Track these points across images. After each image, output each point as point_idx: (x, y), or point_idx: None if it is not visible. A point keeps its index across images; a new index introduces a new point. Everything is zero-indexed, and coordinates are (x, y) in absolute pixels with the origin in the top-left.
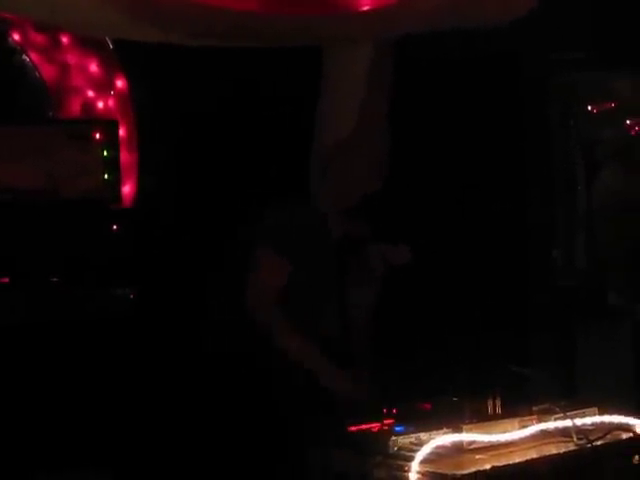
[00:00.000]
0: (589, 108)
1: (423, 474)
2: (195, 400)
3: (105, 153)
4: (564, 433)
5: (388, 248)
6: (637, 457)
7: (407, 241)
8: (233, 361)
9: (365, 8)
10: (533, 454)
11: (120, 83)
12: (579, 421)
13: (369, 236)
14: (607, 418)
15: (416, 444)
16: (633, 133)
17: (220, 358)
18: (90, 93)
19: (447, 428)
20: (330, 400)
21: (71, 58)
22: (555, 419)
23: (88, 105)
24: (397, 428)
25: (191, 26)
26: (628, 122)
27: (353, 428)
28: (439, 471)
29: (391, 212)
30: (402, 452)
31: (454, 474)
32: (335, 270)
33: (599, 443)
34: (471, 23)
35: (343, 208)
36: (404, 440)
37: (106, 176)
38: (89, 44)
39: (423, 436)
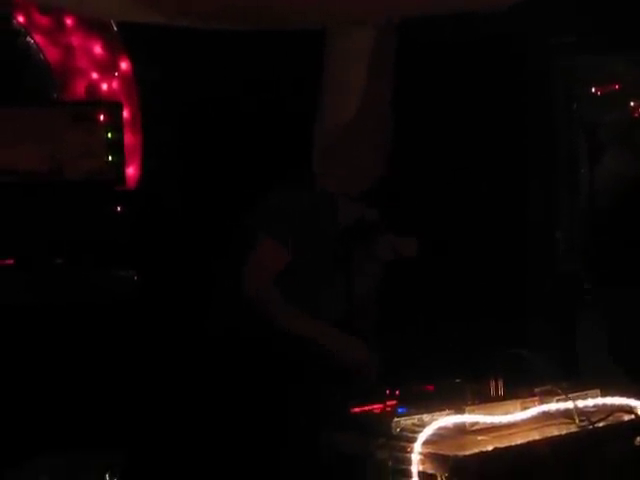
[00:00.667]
0: (592, 90)
1: (425, 455)
2: (201, 382)
3: (109, 135)
4: (566, 415)
5: (397, 239)
6: (639, 439)
7: (410, 228)
8: (237, 344)
9: None
10: (535, 436)
11: (124, 65)
12: (581, 403)
13: (378, 225)
14: (609, 400)
15: (418, 425)
16: (636, 115)
17: (224, 341)
18: (94, 75)
19: (449, 410)
20: (336, 379)
21: (75, 40)
22: (557, 401)
23: (92, 87)
24: (400, 409)
25: (194, 8)
26: (632, 104)
27: (356, 410)
28: (441, 452)
29: (396, 200)
30: (405, 433)
31: (456, 455)
32: (340, 257)
33: (601, 425)
34: (473, 7)
35: (353, 193)
36: (407, 421)
37: (110, 158)
38: (93, 26)
39: (425, 417)
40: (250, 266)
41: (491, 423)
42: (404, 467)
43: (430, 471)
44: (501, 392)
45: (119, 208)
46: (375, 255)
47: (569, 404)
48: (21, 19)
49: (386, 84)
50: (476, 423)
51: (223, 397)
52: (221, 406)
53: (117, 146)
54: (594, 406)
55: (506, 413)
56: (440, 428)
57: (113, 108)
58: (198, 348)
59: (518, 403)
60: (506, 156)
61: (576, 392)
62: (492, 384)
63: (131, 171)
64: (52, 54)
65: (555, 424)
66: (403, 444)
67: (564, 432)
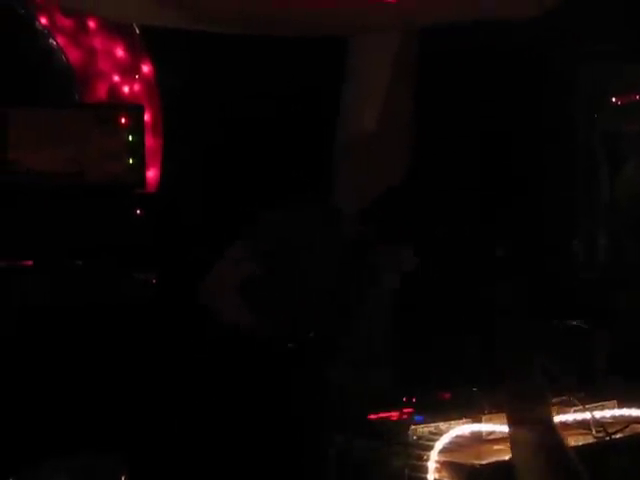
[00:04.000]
0: (613, 100)
1: (442, 463)
2: (215, 385)
3: (130, 138)
4: (583, 425)
5: (395, 254)
6: None
7: (424, 232)
8: (253, 347)
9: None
10: None
11: (146, 68)
12: (598, 414)
13: (377, 241)
14: (626, 411)
15: (435, 433)
16: None
17: (240, 343)
18: (116, 78)
19: (466, 418)
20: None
21: (97, 42)
22: (574, 411)
23: (114, 90)
24: (416, 417)
25: (215, 14)
26: None
27: (373, 416)
28: (458, 461)
29: (413, 203)
30: (421, 441)
31: (473, 464)
32: (343, 272)
33: (618, 436)
34: (496, 16)
35: (363, 206)
36: (423, 429)
37: (131, 161)
38: (115, 29)
39: (442, 426)
40: (216, 269)
41: (508, 432)
42: (420, 475)
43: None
44: None
45: (139, 211)
46: (376, 272)
47: (586, 415)
48: (44, 20)
49: (408, 91)
50: (493, 432)
51: (236, 400)
52: (235, 409)
53: (138, 149)
54: (611, 417)
55: None
56: (457, 436)
57: (134, 111)
58: (212, 351)
59: None
60: (527, 164)
61: (593, 403)
62: None
63: (151, 174)
64: (74, 56)
65: (572, 434)
66: (419, 452)
67: (581, 443)
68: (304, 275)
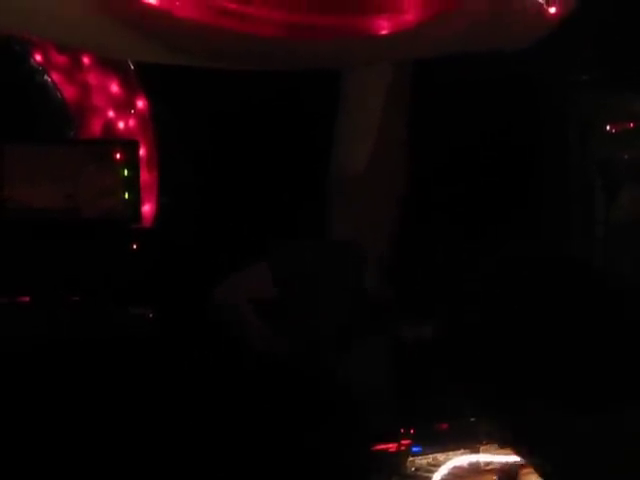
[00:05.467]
0: (608, 128)
1: None
2: (213, 418)
3: (125, 173)
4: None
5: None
6: None
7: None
8: (249, 380)
9: (384, 32)
10: None
11: (141, 103)
12: None
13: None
14: None
15: (433, 465)
16: None
17: (237, 377)
18: (111, 113)
19: (464, 449)
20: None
21: (92, 78)
22: None
23: (109, 125)
24: (414, 448)
25: (213, 50)
26: None
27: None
28: None
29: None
30: (419, 473)
31: None
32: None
33: None
34: (490, 46)
35: (357, 239)
36: (421, 461)
37: (126, 196)
38: (110, 64)
39: (440, 456)
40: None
41: (506, 462)
42: None
43: None
44: None
45: (135, 246)
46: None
47: None
48: (38, 57)
49: (403, 125)
50: (491, 462)
51: (235, 431)
52: (235, 440)
53: (133, 184)
54: None
55: None
56: (455, 467)
57: (129, 146)
58: (214, 384)
59: None
60: (521, 192)
61: None
62: None
63: (147, 209)
64: (69, 92)
65: None
66: None
67: None
68: (315, 307)
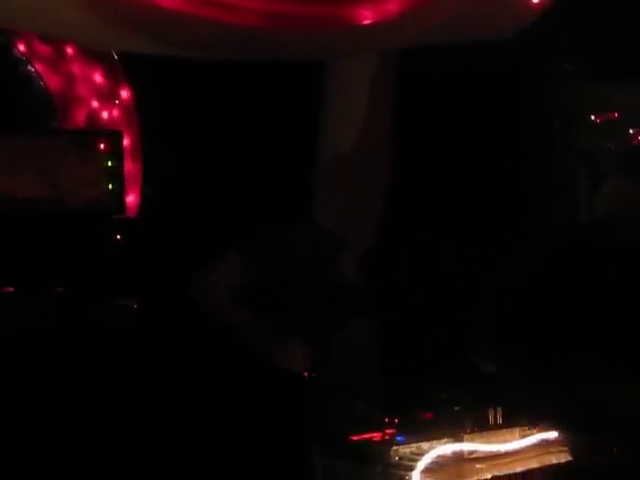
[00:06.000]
0: (592, 118)
1: None
2: (197, 407)
3: (109, 163)
4: (549, 445)
5: None
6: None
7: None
8: (235, 368)
9: (367, 22)
10: (534, 464)
11: (125, 93)
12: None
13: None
14: None
15: (417, 454)
16: (636, 143)
17: (221, 364)
18: (95, 103)
19: (448, 438)
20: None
21: (76, 68)
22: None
23: (93, 115)
24: (398, 438)
25: (197, 40)
26: (631, 132)
27: (355, 437)
28: None
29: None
30: (403, 462)
31: None
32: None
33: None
34: (474, 36)
35: (341, 226)
36: (405, 449)
37: (110, 186)
38: (94, 55)
39: (424, 445)
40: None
41: (489, 451)
42: None
43: None
44: (500, 420)
45: (119, 236)
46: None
47: (551, 435)
48: (22, 48)
49: (387, 114)
50: (474, 451)
51: (219, 421)
52: (218, 430)
53: (117, 174)
54: None
55: (504, 441)
56: (438, 456)
57: (113, 136)
58: (197, 374)
59: (517, 431)
60: (506, 182)
61: None
62: (491, 412)
63: (131, 199)
64: (53, 82)
65: (554, 452)
66: (401, 472)
67: (562, 460)
68: (294, 292)
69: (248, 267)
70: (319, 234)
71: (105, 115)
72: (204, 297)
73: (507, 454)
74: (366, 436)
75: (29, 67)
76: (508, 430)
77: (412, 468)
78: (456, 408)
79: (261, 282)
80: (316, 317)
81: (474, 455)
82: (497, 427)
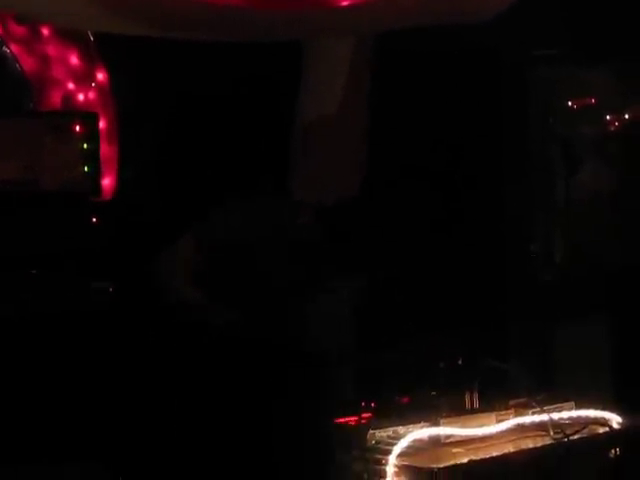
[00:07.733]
0: (569, 104)
1: (400, 467)
2: (173, 391)
3: (85, 145)
4: (541, 427)
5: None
6: (613, 451)
7: (385, 239)
8: (215, 350)
9: (345, 4)
10: (510, 448)
11: (101, 75)
12: (556, 415)
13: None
14: (584, 412)
15: (394, 438)
16: (612, 129)
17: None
18: (70, 85)
19: (425, 422)
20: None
21: (51, 50)
22: (532, 413)
23: (68, 97)
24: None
25: (173, 19)
26: (608, 118)
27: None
28: (416, 464)
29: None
30: (380, 446)
31: (431, 467)
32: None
33: (575, 437)
34: (452, 19)
35: (317, 203)
36: (382, 434)
37: (86, 168)
38: (69, 36)
39: (401, 430)
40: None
41: (466, 435)
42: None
43: None
44: (476, 404)
45: (94, 219)
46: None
47: (544, 416)
48: None
49: (363, 92)
50: (451, 435)
51: (202, 404)
52: (202, 414)
53: (93, 157)
54: (569, 418)
55: (481, 425)
56: (415, 440)
57: (89, 118)
58: (174, 357)
59: (493, 415)
60: (483, 167)
61: (551, 404)
62: (467, 396)
63: (107, 182)
64: (28, 64)
65: (530, 436)
66: (378, 456)
67: (539, 444)
68: (254, 266)
69: (202, 242)
70: (273, 203)
71: (81, 97)
72: (163, 275)
73: (484, 438)
74: (342, 420)
75: (4, 48)
76: (485, 414)
77: (389, 452)
78: (433, 392)
79: (218, 255)
80: (282, 281)
81: (451, 439)
82: (474, 411)
